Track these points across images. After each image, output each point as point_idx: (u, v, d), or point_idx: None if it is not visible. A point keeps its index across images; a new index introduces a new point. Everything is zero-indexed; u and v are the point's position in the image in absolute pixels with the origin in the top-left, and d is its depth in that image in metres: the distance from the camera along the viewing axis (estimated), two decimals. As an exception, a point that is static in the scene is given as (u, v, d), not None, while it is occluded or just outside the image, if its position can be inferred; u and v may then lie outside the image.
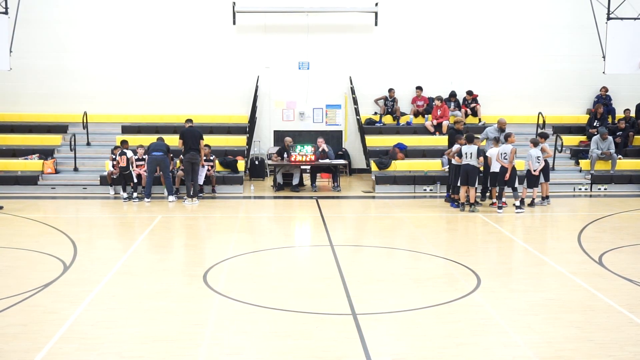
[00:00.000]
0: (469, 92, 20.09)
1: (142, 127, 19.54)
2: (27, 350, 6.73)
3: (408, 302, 8.35)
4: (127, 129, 19.45)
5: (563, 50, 20.47)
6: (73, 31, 19.93)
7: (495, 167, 14.87)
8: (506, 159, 14.54)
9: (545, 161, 15.30)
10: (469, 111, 19.91)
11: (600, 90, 20.34)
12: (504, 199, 15.06)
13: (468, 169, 14.46)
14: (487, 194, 15.67)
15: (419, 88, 20.23)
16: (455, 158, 14.97)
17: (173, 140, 16.58)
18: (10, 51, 15.78)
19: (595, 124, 19.34)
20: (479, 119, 19.84)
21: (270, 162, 18.06)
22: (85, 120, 18.87)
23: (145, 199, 15.77)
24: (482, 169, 15.21)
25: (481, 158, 14.56)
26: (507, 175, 14.48)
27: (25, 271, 9.72)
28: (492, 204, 15.23)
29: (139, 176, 16.26)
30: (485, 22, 20.47)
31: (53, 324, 7.45)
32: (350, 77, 20.31)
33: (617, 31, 15.50)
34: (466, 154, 14.52)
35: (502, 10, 20.48)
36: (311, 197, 16.62)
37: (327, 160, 17.57)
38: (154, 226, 13.03)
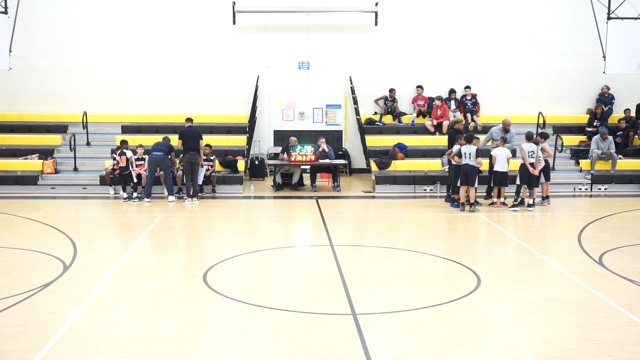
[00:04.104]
0: (467, 87, 20.09)
1: (142, 127, 19.53)
2: (26, 350, 6.73)
3: (408, 302, 8.35)
4: (127, 129, 19.45)
5: (563, 50, 20.46)
6: (73, 31, 19.92)
7: (499, 167, 14.89)
8: (533, 157, 14.56)
9: (546, 161, 15.30)
10: (471, 118, 19.78)
11: (602, 89, 20.35)
12: (502, 199, 15.12)
13: (467, 169, 14.46)
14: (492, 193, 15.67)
15: (420, 87, 20.23)
16: (454, 159, 14.97)
17: (173, 141, 16.58)
18: (10, 51, 15.78)
19: (595, 124, 19.34)
20: (476, 122, 19.62)
21: (273, 162, 18.03)
22: (85, 120, 18.86)
23: (145, 199, 15.77)
24: (486, 168, 15.27)
25: (479, 159, 14.55)
26: (537, 172, 14.71)
27: (25, 271, 9.72)
28: (492, 203, 15.24)
29: (138, 176, 16.25)
30: (486, 22, 20.46)
31: (53, 324, 7.45)
32: (350, 77, 20.31)
33: (617, 31, 15.48)
34: (465, 154, 14.53)
35: (502, 10, 20.47)
36: (311, 197, 16.61)
37: (327, 160, 17.56)
38: (154, 226, 13.03)
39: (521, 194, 14.97)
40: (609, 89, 20.31)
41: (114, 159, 16.53)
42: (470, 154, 14.45)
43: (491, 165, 15.15)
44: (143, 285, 9.03)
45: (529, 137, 14.92)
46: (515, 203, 14.63)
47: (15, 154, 18.28)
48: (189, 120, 16.35)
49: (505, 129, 16.11)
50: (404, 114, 20.31)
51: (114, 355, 6.67)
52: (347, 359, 6.64)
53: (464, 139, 14.75)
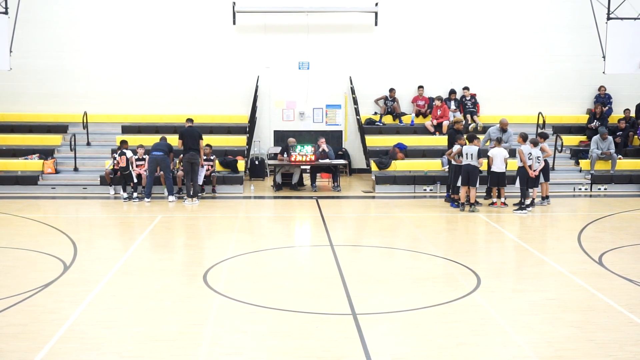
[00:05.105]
0: (466, 88, 20.10)
1: (142, 127, 19.53)
2: (27, 350, 6.73)
3: (408, 302, 8.35)
4: (127, 129, 19.45)
5: (563, 50, 20.47)
6: (73, 31, 19.92)
7: (496, 167, 14.89)
8: (531, 158, 14.52)
9: (545, 161, 15.29)
10: (472, 118, 19.75)
11: (599, 90, 20.37)
12: (502, 199, 15.12)
13: (469, 169, 14.46)
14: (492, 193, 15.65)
15: (421, 87, 20.24)
16: (454, 159, 14.97)
17: (173, 141, 16.59)
18: (11, 51, 15.77)
19: (595, 124, 19.34)
20: (477, 123, 19.62)
21: (273, 162, 18.04)
22: (85, 120, 18.86)
23: (145, 199, 15.77)
24: (485, 168, 15.26)
25: (480, 159, 14.55)
26: (534, 174, 14.57)
27: (25, 271, 9.72)
28: (492, 203, 15.24)
29: (139, 176, 16.25)
30: (486, 22, 20.47)
31: (53, 324, 7.45)
32: (350, 77, 20.31)
33: (617, 31, 15.48)
34: (467, 154, 14.53)
35: (502, 10, 20.47)
36: (311, 197, 16.62)
37: (327, 160, 17.56)
38: (154, 226, 13.03)
39: (531, 194, 14.89)
40: (605, 89, 20.32)
41: (114, 159, 16.53)
42: (472, 154, 14.45)
43: (489, 165, 15.15)
44: (143, 285, 9.04)
45: (524, 139, 14.91)
46: (523, 206, 14.58)
47: (15, 154, 18.28)
48: (190, 120, 16.35)
49: (503, 128, 16.12)
50: (404, 114, 20.31)
51: (114, 355, 6.67)
52: (347, 359, 6.64)
53: (465, 138, 14.75)
